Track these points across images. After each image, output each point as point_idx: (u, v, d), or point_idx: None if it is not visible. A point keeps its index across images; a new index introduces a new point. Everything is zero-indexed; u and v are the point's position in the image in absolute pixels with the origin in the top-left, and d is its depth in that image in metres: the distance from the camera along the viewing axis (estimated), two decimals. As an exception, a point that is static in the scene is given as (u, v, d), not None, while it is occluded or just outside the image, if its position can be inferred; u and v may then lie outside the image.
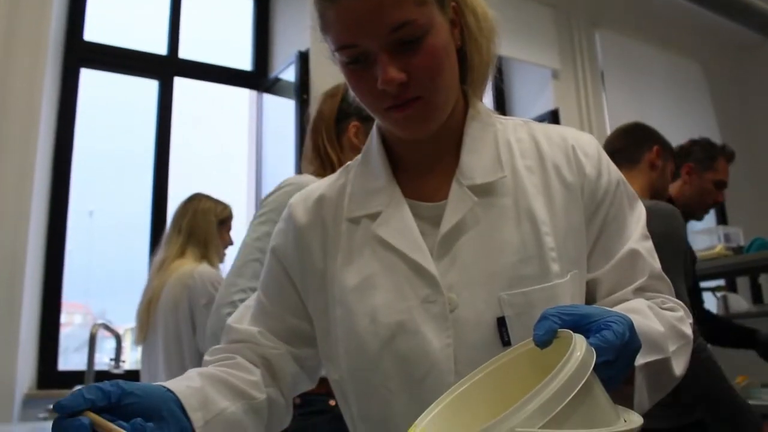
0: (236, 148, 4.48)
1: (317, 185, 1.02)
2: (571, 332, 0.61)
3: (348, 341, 0.89)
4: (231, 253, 2.64)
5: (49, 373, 3.30)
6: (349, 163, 1.03)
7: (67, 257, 3.46)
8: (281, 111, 4.15)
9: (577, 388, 0.54)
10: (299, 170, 3.92)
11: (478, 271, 0.85)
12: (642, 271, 0.88)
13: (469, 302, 0.83)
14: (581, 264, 0.88)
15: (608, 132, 3.27)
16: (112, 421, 0.69)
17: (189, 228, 2.53)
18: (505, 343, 0.81)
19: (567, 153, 0.91)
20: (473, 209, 0.87)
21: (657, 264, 0.90)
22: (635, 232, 0.89)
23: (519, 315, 0.82)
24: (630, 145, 2.12)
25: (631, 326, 0.65)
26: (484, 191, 0.88)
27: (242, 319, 1.01)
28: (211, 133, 4.75)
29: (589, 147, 0.93)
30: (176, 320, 2.37)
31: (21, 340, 2.95)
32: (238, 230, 2.99)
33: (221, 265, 2.58)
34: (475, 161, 0.90)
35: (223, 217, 2.60)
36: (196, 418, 0.80)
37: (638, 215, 0.92)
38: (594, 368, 0.57)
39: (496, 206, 0.88)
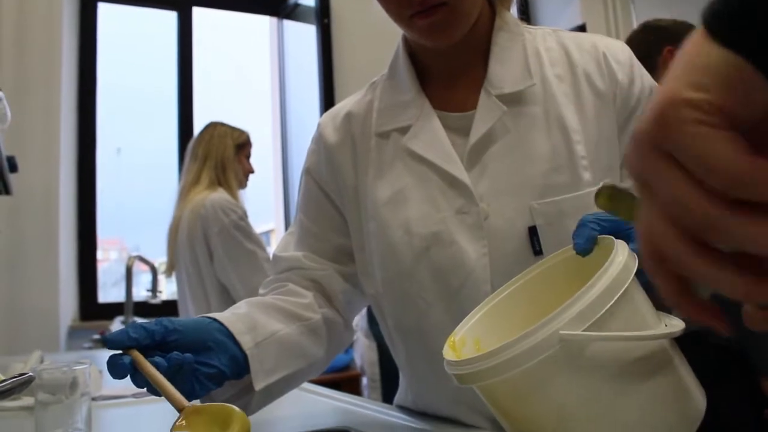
0: (259, 79, 4.45)
1: (344, 103, 1.02)
2: (613, 238, 0.61)
3: (382, 254, 0.89)
4: (253, 178, 2.63)
5: (90, 306, 3.42)
6: (374, 79, 1.02)
7: (98, 195, 3.52)
8: (302, 37, 4.10)
9: (620, 292, 0.54)
10: (323, 97, 3.91)
11: (508, 180, 0.84)
12: None
13: (500, 212, 0.83)
14: (614, 173, 0.86)
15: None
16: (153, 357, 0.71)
17: (205, 153, 2.50)
18: (537, 252, 0.81)
19: (598, 60, 0.88)
20: (502, 118, 0.86)
21: None
22: None
23: (550, 224, 0.81)
24: (641, 52, 1.99)
25: None
26: (513, 100, 0.86)
27: (286, 247, 1.02)
28: (233, 64, 4.73)
29: (622, 54, 0.89)
30: (193, 250, 2.40)
31: (61, 276, 3.04)
32: (264, 159, 2.99)
33: (241, 192, 2.57)
34: (504, 70, 0.88)
35: (240, 141, 2.56)
36: (245, 341, 0.80)
37: None
38: (635, 274, 0.56)
39: (525, 115, 0.86)
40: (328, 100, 3.94)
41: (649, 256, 0.34)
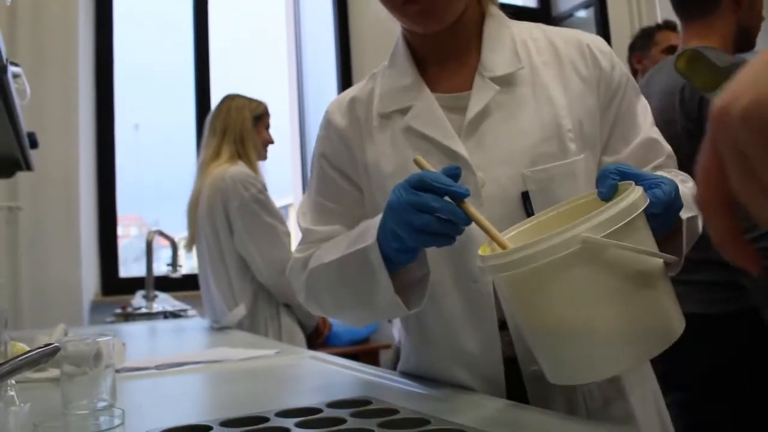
0: (275, 50, 4.43)
1: (348, 91, 1.11)
2: (631, 182, 0.71)
3: None
4: (271, 152, 2.63)
5: (111, 281, 3.46)
6: (375, 70, 1.11)
7: (117, 171, 3.55)
8: (318, 7, 4.07)
9: (635, 214, 0.66)
10: (339, 68, 3.89)
11: (502, 151, 0.93)
12: (659, 152, 0.98)
13: (495, 180, 0.92)
14: (595, 146, 0.97)
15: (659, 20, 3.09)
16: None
17: (223, 126, 2.49)
18: (529, 214, 0.89)
19: (582, 50, 0.98)
20: (495, 97, 0.95)
21: (668, 146, 1.00)
22: (646, 121, 0.99)
23: (541, 189, 0.90)
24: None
25: (676, 188, 0.75)
26: (504, 82, 0.96)
27: (315, 221, 1.07)
28: (249, 37, 4.71)
29: (603, 45, 1.01)
30: (213, 224, 2.40)
31: (83, 251, 3.08)
32: (281, 131, 2.97)
33: (261, 163, 2.57)
34: (495, 56, 0.98)
35: (258, 113, 2.55)
36: None
37: (644, 105, 1.01)
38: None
39: (516, 94, 0.96)
40: (344, 70, 3.92)
41: (709, 195, 0.39)
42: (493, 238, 0.76)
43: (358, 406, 0.78)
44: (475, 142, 0.94)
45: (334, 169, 1.07)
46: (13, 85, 1.22)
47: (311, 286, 1.02)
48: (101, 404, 0.87)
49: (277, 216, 2.40)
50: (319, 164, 1.09)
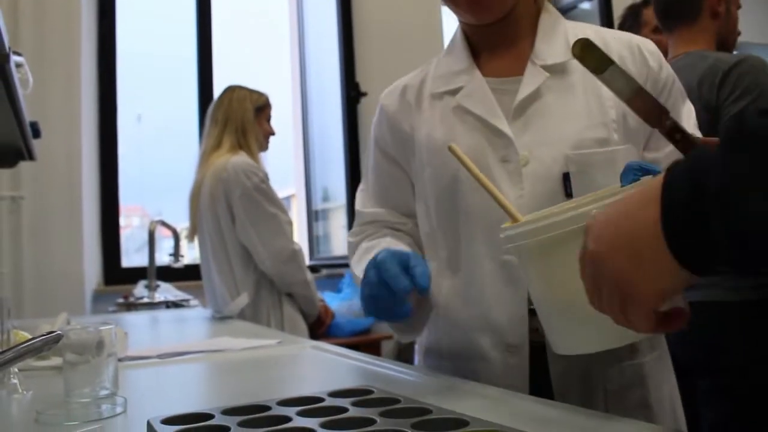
0: (278, 41, 4.42)
1: (400, 80, 1.18)
2: (651, 177, 0.74)
3: (437, 195, 1.05)
4: (273, 143, 2.63)
5: (114, 271, 3.47)
6: (432, 59, 1.17)
7: (120, 162, 3.55)
8: (321, 1, 4.06)
9: None
10: (342, 59, 3.88)
11: (547, 133, 0.98)
12: None
13: (539, 159, 0.97)
14: (638, 141, 1.00)
15: None
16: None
17: (225, 117, 2.49)
18: (568, 194, 0.95)
19: (632, 49, 1.03)
20: (545, 83, 1.00)
21: None
22: (689, 122, 1.03)
23: (581, 172, 0.95)
24: None
25: None
26: (554, 70, 1.01)
27: (365, 203, 1.18)
28: (253, 28, 4.70)
29: (652, 46, 1.05)
30: (215, 213, 2.41)
31: (85, 241, 3.09)
32: (283, 123, 2.97)
33: (263, 154, 2.57)
34: (548, 47, 1.03)
35: (259, 104, 2.55)
36: None
37: (689, 109, 1.05)
38: None
39: (565, 82, 1.01)
40: (347, 61, 3.91)
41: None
42: (506, 210, 0.82)
43: (360, 395, 0.78)
44: (522, 123, 0.99)
45: (382, 152, 1.15)
46: (15, 75, 1.21)
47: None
48: (103, 392, 0.87)
49: (279, 205, 2.41)
50: (373, 149, 1.18)
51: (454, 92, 1.06)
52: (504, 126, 0.99)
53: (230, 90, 2.57)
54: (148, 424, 0.68)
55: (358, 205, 1.20)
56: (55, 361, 1.17)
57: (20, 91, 1.32)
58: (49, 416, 0.81)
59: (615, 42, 1.04)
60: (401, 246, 1.05)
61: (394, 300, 0.86)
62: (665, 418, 0.98)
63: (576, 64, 0.97)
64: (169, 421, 0.67)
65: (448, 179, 1.02)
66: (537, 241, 0.73)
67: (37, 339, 0.77)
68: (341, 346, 1.42)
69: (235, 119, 2.49)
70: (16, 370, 1.04)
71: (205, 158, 2.49)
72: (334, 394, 0.79)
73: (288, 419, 0.67)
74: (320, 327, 2.67)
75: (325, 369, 1.20)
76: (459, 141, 0.99)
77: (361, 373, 1.10)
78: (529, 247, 0.74)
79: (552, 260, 0.73)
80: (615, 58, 0.99)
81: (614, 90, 0.72)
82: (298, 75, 4.27)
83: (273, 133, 2.61)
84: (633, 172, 0.77)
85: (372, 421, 0.64)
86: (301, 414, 0.69)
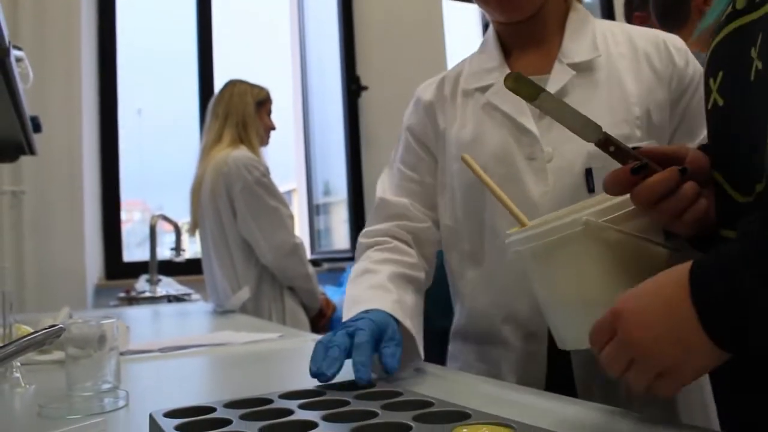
0: (279, 35, 4.42)
1: (439, 75, 1.21)
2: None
3: (465, 189, 1.08)
4: (274, 138, 2.63)
5: (115, 265, 3.47)
6: (467, 56, 1.21)
7: (120, 156, 3.55)
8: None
9: (631, 207, 0.73)
10: (343, 53, 3.88)
11: None
12: None
13: (563, 155, 1.00)
14: (662, 138, 1.02)
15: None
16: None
17: (226, 111, 2.50)
18: (590, 190, 0.98)
19: (658, 45, 1.05)
20: (572, 80, 1.03)
21: None
22: None
23: (603, 168, 0.94)
24: None
25: None
26: (581, 68, 1.04)
27: (386, 190, 1.19)
28: (253, 22, 4.68)
29: (679, 42, 1.07)
30: (216, 207, 2.41)
31: (86, 235, 3.09)
32: (284, 117, 2.96)
33: (264, 149, 2.57)
34: (575, 45, 1.06)
35: (260, 98, 2.56)
36: (408, 325, 0.98)
37: None
38: None
39: (591, 80, 1.04)
40: (348, 55, 3.91)
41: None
42: (514, 215, 0.87)
43: (362, 388, 0.78)
44: (548, 121, 1.01)
45: (416, 140, 1.17)
46: (16, 69, 1.21)
47: None
48: (106, 386, 0.88)
49: (280, 199, 2.41)
50: (404, 136, 1.20)
51: (484, 89, 1.10)
52: (531, 124, 1.02)
53: (231, 84, 2.57)
54: (151, 418, 0.68)
55: (380, 192, 1.20)
56: (57, 355, 1.17)
57: (20, 86, 1.32)
58: (52, 410, 0.81)
59: (641, 39, 1.06)
60: (392, 298, 1.01)
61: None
62: (694, 410, 0.98)
63: (602, 62, 1.05)
64: (171, 414, 0.67)
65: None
66: (538, 245, 0.77)
67: (39, 332, 0.77)
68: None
69: (236, 113, 2.49)
70: (19, 364, 1.04)
71: (205, 152, 2.49)
72: (336, 388, 0.79)
73: (290, 412, 0.67)
74: (322, 320, 2.67)
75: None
76: (487, 138, 1.05)
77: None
78: (531, 251, 0.79)
79: (553, 262, 0.77)
80: (640, 54, 1.06)
81: (548, 113, 0.76)
82: (298, 69, 4.26)
83: (274, 128, 2.61)
84: None
85: (374, 414, 0.65)
86: (302, 407, 0.69)
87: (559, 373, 0.99)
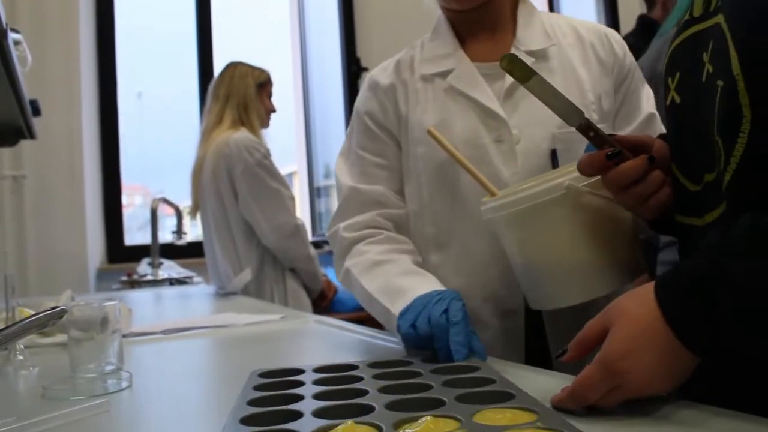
0: (278, 19, 4.39)
1: (390, 59, 1.20)
2: None
3: (433, 171, 1.08)
4: (274, 120, 2.63)
5: (117, 249, 3.48)
6: (415, 42, 1.21)
7: (121, 140, 3.54)
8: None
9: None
10: (343, 35, 3.85)
11: (534, 113, 1.04)
12: (657, 130, 1.10)
13: (529, 137, 1.05)
14: (609, 123, 1.10)
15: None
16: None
17: (227, 93, 2.49)
18: (555, 168, 1.01)
19: (601, 37, 1.13)
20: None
21: (664, 128, 1.12)
22: (648, 104, 1.13)
23: (567, 149, 1.04)
24: None
25: None
26: (537, 56, 1.09)
27: (354, 178, 1.15)
28: (252, 3, 4.65)
29: (617, 35, 1.16)
30: (218, 189, 2.41)
31: (88, 220, 3.09)
32: (284, 100, 2.95)
33: (264, 131, 2.57)
34: (529, 34, 1.11)
35: (261, 80, 2.55)
36: None
37: (647, 92, 1.15)
38: None
39: (547, 67, 1.08)
40: (348, 37, 3.88)
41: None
42: (484, 186, 0.92)
43: (403, 365, 0.82)
44: (512, 105, 1.07)
45: (378, 125, 1.15)
46: (14, 52, 1.21)
47: (346, 282, 1.11)
48: (109, 368, 0.88)
49: (281, 181, 2.41)
50: (362, 121, 1.17)
51: (444, 74, 1.11)
52: (498, 107, 1.06)
53: (232, 66, 2.56)
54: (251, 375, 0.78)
55: (346, 180, 1.15)
56: (60, 338, 1.17)
57: (19, 69, 1.31)
58: (56, 391, 0.82)
59: (586, 31, 1.13)
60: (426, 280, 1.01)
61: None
62: None
63: (555, 51, 1.11)
64: (265, 374, 0.79)
65: (443, 157, 1.04)
66: (518, 210, 0.82)
67: (42, 314, 0.77)
68: (344, 320, 1.42)
69: (236, 95, 2.49)
70: (22, 346, 1.05)
71: (206, 135, 2.48)
72: (374, 365, 0.82)
73: (360, 379, 0.74)
74: (323, 300, 2.69)
75: (329, 342, 1.20)
76: (453, 122, 1.07)
77: (364, 346, 1.11)
78: (513, 217, 0.84)
79: (533, 226, 0.83)
80: (587, 45, 1.13)
81: (537, 95, 0.78)
82: (298, 51, 4.24)
83: (274, 110, 2.60)
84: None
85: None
86: (376, 377, 0.75)
87: (535, 349, 1.03)
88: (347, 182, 1.15)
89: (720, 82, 0.62)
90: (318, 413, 0.61)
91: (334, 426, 0.56)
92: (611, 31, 1.16)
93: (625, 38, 1.20)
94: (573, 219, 0.80)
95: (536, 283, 0.86)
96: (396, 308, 0.93)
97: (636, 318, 0.60)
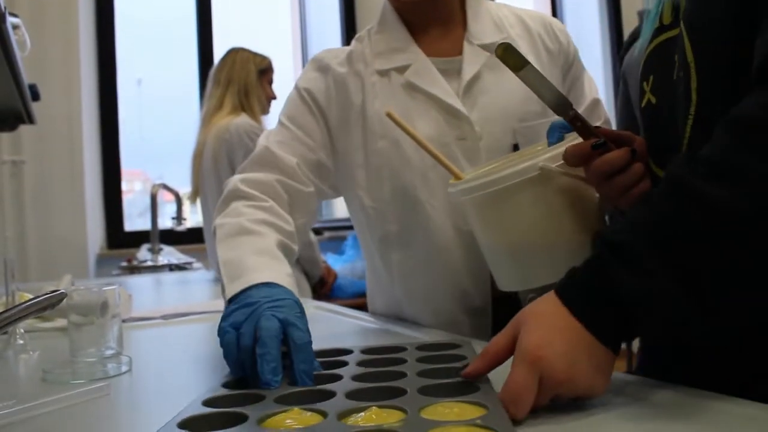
0: (279, 6, 4.37)
1: (339, 49, 1.17)
2: (575, 134, 0.82)
3: (395, 166, 1.05)
4: (274, 108, 2.62)
5: (117, 235, 3.48)
6: (359, 34, 1.17)
7: (120, 126, 3.53)
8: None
9: None
10: (344, 23, 3.84)
11: (495, 109, 1.05)
12: (601, 115, 1.14)
13: (491, 133, 1.05)
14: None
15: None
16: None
17: (228, 78, 2.48)
18: None
19: (546, 27, 1.14)
20: (486, 62, 1.07)
21: (606, 112, 1.18)
22: (591, 89, 1.16)
23: (528, 143, 1.03)
24: None
25: None
26: (490, 49, 1.06)
27: (275, 144, 1.08)
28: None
29: (561, 25, 1.17)
30: (218, 174, 2.40)
31: (87, 205, 3.09)
32: (284, 88, 2.94)
33: (264, 117, 2.57)
34: (479, 26, 1.10)
35: (262, 67, 2.54)
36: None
37: (588, 78, 1.18)
38: None
39: (499, 60, 1.04)
40: (349, 23, 3.87)
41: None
42: (448, 168, 0.92)
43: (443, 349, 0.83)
44: (471, 101, 1.05)
45: (315, 104, 1.11)
46: (13, 37, 1.20)
47: (213, 236, 1.03)
48: (109, 352, 0.88)
49: (281, 167, 2.40)
50: (300, 95, 1.12)
51: (400, 70, 1.08)
52: (458, 104, 1.04)
53: (233, 51, 2.56)
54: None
55: (264, 142, 1.10)
56: (60, 322, 1.18)
57: (18, 54, 1.31)
58: (56, 375, 0.82)
59: (531, 21, 1.14)
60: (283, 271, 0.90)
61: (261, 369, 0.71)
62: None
63: None
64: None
65: (411, 151, 1.03)
66: (491, 192, 0.82)
67: (42, 297, 0.78)
68: (344, 306, 1.43)
69: (237, 80, 2.48)
70: (23, 330, 1.05)
71: (206, 120, 2.48)
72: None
73: (403, 361, 0.75)
74: (323, 287, 2.69)
75: (329, 328, 1.21)
76: (414, 119, 1.03)
77: (363, 331, 1.11)
78: (485, 198, 0.83)
79: (504, 207, 0.83)
80: (534, 36, 1.13)
81: (529, 85, 0.79)
82: (299, 38, 4.22)
83: (275, 97, 2.60)
84: (558, 131, 0.86)
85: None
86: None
87: None
88: (263, 142, 1.10)
89: (681, 73, 0.68)
90: (279, 399, 0.63)
91: (286, 410, 0.58)
92: (554, 20, 1.18)
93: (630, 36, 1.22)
94: (547, 198, 0.82)
95: (508, 265, 0.87)
96: (231, 289, 0.85)
97: (542, 313, 0.62)
